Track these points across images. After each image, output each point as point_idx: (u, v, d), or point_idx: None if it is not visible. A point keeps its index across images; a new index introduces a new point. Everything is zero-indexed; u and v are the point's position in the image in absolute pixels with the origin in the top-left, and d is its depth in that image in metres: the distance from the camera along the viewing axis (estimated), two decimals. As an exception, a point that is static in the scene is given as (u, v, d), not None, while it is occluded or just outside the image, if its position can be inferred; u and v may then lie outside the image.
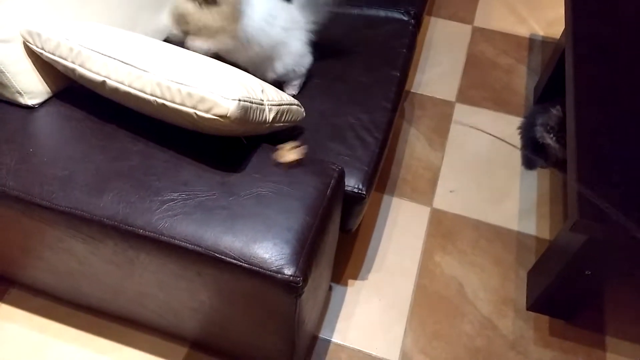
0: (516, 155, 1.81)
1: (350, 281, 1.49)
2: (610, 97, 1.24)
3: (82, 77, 0.99)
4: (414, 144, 1.84)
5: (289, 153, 1.01)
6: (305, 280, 0.89)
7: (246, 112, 0.91)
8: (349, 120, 1.25)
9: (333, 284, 1.47)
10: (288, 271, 0.88)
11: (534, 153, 1.78)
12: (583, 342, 1.37)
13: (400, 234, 1.60)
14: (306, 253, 0.90)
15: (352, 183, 1.14)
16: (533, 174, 1.76)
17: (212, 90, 0.88)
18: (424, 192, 1.70)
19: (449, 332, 1.39)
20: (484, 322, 1.41)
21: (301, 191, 0.97)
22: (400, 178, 1.74)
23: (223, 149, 1.02)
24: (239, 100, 0.89)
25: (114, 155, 0.99)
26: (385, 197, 1.68)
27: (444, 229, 1.61)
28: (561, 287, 1.32)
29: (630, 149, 1.12)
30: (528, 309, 1.43)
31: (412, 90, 2.01)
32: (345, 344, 1.36)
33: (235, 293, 0.95)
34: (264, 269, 0.88)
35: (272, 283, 0.88)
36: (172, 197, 0.94)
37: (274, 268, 0.88)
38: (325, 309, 1.42)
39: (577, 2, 1.51)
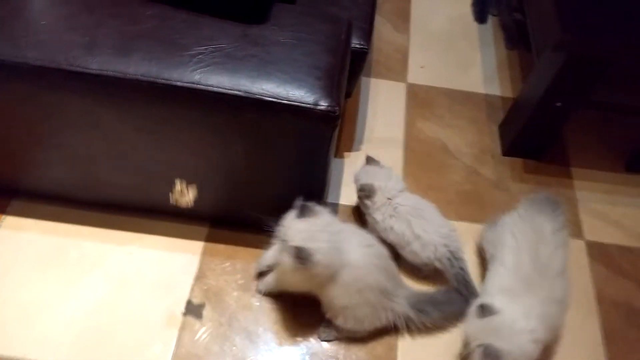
0: (474, 29, 1.96)
1: (345, 154, 1.59)
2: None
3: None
4: (381, 29, 1.92)
5: (182, 196, 1.02)
6: (340, 110, 0.97)
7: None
8: (339, -15, 1.30)
9: (331, 157, 1.57)
10: (324, 102, 0.95)
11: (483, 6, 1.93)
12: (553, 175, 1.58)
13: (383, 109, 1.71)
14: (336, 87, 0.98)
15: (354, 41, 1.21)
16: (491, 44, 1.91)
17: None
18: (398, 71, 1.81)
19: (440, 183, 1.54)
20: (468, 171, 1.58)
21: (320, 37, 1.04)
22: (374, 61, 1.82)
23: (236, 6, 1.05)
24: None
25: (129, 20, 1.00)
26: (364, 79, 1.77)
27: (420, 100, 1.74)
28: (531, 128, 1.51)
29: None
30: (503, 154, 1.61)
31: (368, -19, 2.06)
32: (352, 204, 1.47)
33: (272, 135, 1.01)
34: (303, 103, 0.95)
35: (311, 116, 0.96)
36: (199, 50, 0.97)
37: (312, 101, 0.95)
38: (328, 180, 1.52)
39: None
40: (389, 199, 1.27)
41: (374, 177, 1.30)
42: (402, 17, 1.96)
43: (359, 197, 1.32)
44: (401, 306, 1.14)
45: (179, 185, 1.07)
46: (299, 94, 0.95)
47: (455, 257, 1.21)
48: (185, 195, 1.12)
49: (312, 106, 0.95)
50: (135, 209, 1.35)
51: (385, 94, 1.74)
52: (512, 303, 1.06)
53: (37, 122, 1.06)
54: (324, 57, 1.00)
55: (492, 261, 1.21)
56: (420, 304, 1.16)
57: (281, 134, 1.01)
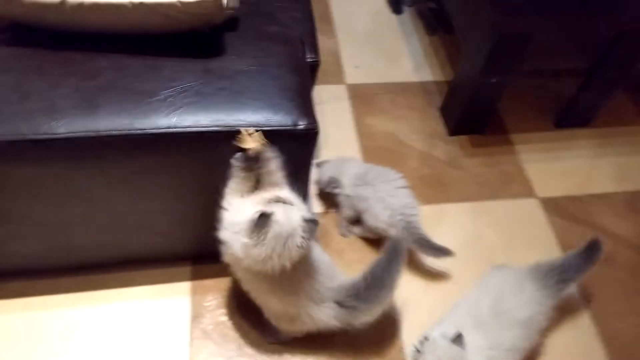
0: (395, 21, 2.06)
1: (306, 163, 1.61)
2: None
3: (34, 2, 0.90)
4: (307, 36, 1.96)
5: (251, 140, 0.95)
6: (318, 127, 0.99)
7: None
8: (274, 5, 1.32)
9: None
10: (303, 121, 0.98)
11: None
12: (497, 144, 1.71)
13: (330, 113, 1.75)
14: (309, 104, 1.01)
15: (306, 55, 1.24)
16: (413, 34, 2.02)
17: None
18: (335, 74, 1.87)
19: (401, 172, 1.58)
20: (423, 156, 1.67)
21: (280, 58, 1.05)
22: (308, 67, 1.86)
23: (188, 46, 1.04)
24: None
25: (83, 76, 0.95)
26: (303, 87, 1.80)
27: (363, 98, 1.81)
28: (472, 106, 1.62)
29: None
30: (450, 135, 1.72)
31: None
32: (323, 211, 1.51)
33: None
34: (283, 126, 0.96)
35: (293, 137, 0.97)
36: (167, 93, 0.95)
37: (291, 122, 0.97)
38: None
39: None
40: (354, 174, 1.38)
41: (330, 170, 1.43)
42: (325, 20, 2.02)
43: (328, 192, 1.43)
44: (328, 317, 1.09)
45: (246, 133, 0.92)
46: (277, 118, 0.96)
47: (412, 227, 1.29)
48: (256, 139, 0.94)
49: (292, 127, 0.96)
50: (109, 265, 1.29)
51: (329, 99, 1.79)
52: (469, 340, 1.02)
53: (5, 199, 0.99)
54: (290, 77, 1.02)
55: None
56: (346, 302, 1.08)
57: (265, 160, 1.01)
